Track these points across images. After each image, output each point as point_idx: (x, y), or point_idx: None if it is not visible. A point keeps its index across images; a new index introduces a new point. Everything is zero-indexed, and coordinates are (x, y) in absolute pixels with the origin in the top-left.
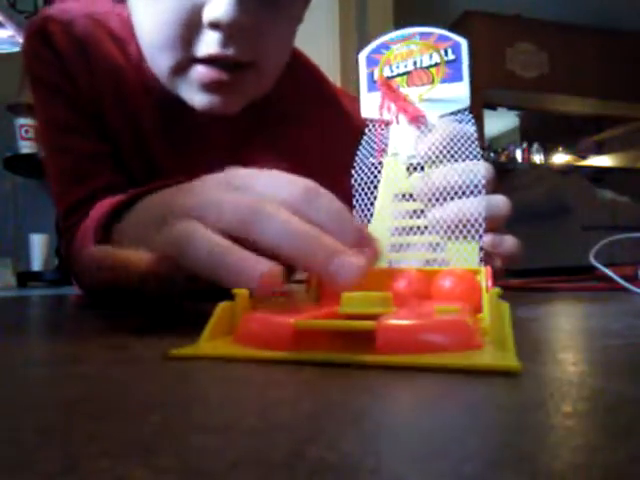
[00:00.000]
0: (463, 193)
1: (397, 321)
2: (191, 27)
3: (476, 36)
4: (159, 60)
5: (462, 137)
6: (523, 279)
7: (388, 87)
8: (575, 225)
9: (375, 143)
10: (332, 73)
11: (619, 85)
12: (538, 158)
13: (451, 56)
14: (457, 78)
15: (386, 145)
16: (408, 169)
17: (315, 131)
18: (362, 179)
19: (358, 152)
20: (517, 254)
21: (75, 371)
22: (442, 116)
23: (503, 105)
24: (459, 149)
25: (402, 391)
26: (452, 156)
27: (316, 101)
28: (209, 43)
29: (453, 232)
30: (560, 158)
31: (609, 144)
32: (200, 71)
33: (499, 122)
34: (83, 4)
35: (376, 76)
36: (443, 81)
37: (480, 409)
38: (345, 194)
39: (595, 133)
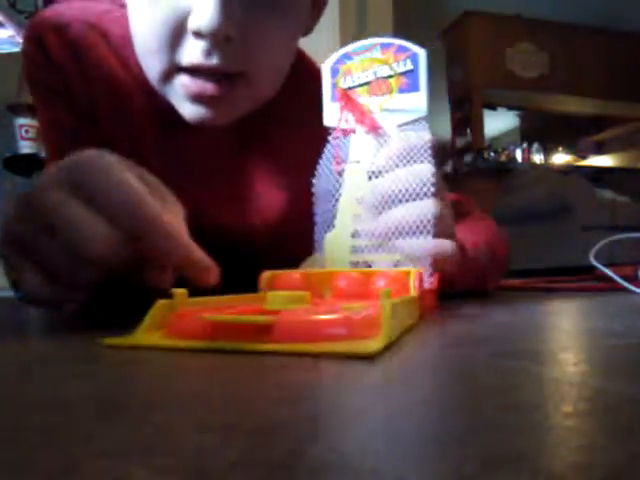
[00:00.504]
0: (410, 196)
1: (292, 316)
2: (177, 34)
3: (476, 36)
4: (149, 65)
5: (416, 147)
6: (523, 279)
7: (347, 98)
8: (575, 225)
9: (334, 153)
10: None
11: (619, 85)
12: (538, 158)
13: (409, 66)
14: (414, 88)
15: (346, 154)
16: (369, 177)
17: (317, 135)
18: (323, 187)
19: (320, 160)
20: (450, 258)
21: (75, 371)
22: (400, 125)
23: (503, 105)
24: (412, 158)
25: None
26: (406, 165)
27: (318, 105)
28: (193, 52)
29: (398, 236)
30: (560, 158)
31: (609, 144)
32: (184, 81)
33: (499, 122)
34: (80, 7)
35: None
36: (401, 91)
37: (480, 409)
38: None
39: (595, 133)
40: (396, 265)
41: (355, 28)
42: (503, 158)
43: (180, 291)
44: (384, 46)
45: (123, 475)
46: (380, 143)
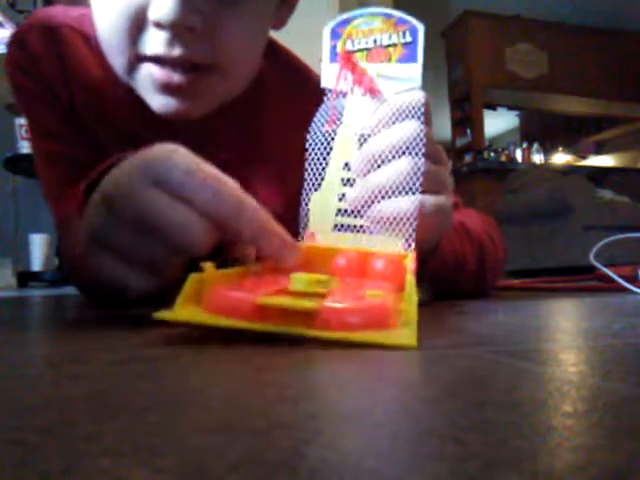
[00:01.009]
0: (398, 156)
1: (334, 304)
2: (137, 25)
3: (476, 36)
4: (113, 58)
5: (407, 107)
6: (523, 279)
7: (348, 59)
8: (575, 225)
9: (329, 113)
10: None
11: (619, 85)
12: (538, 158)
13: (408, 38)
14: (412, 59)
15: (340, 115)
16: (360, 140)
17: (297, 123)
18: (314, 147)
19: (313, 120)
20: (435, 216)
21: (75, 371)
22: (397, 93)
23: (503, 105)
24: (403, 118)
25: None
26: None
27: (299, 92)
28: (155, 42)
29: (385, 228)
30: (560, 158)
31: (609, 144)
32: (149, 70)
33: (499, 122)
34: (62, 10)
35: (339, 48)
36: (399, 61)
37: (480, 409)
38: None
39: (595, 133)
40: (379, 231)
41: None
42: (503, 158)
43: (209, 265)
44: (385, 15)
45: (123, 475)
46: (375, 107)
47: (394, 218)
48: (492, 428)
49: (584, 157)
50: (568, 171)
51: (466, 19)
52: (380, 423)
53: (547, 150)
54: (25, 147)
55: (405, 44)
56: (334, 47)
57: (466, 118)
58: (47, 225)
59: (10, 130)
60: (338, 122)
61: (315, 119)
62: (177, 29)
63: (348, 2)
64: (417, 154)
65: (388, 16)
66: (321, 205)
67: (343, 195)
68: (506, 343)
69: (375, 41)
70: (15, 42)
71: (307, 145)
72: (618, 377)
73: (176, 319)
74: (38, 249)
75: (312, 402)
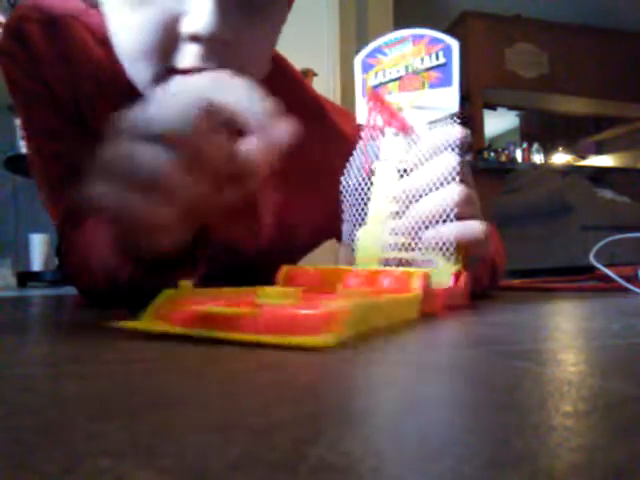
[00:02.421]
0: (435, 187)
1: (267, 309)
2: (170, 38)
3: (475, 36)
4: (137, 71)
5: (442, 143)
6: (523, 279)
7: (376, 98)
8: (575, 225)
9: (364, 152)
10: (331, 73)
11: (619, 85)
12: (538, 158)
13: (442, 59)
14: (447, 83)
15: (375, 153)
16: (399, 172)
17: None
18: (353, 187)
19: (349, 161)
20: (485, 238)
21: (75, 371)
22: (431, 122)
23: (503, 105)
24: (439, 153)
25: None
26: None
27: (296, 109)
28: (189, 55)
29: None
30: (560, 158)
31: (609, 144)
32: None
33: (499, 122)
34: (60, 2)
35: (371, 82)
36: (432, 86)
37: (480, 409)
38: (325, 200)
39: (595, 133)
40: (426, 262)
41: (355, 28)
42: (503, 158)
43: (185, 283)
44: (416, 38)
45: (123, 475)
46: (409, 142)
47: (448, 242)
48: (492, 428)
49: (584, 157)
50: (568, 171)
51: (466, 19)
52: (380, 423)
53: (547, 150)
54: (25, 147)
55: (438, 66)
56: (365, 81)
57: (466, 118)
58: (47, 225)
59: (10, 130)
60: (373, 161)
61: (351, 158)
62: (213, 42)
63: (348, 2)
64: (452, 183)
65: (419, 37)
66: (368, 241)
67: (390, 228)
68: (506, 343)
69: (407, 68)
70: (12, 33)
71: (342, 184)
72: (618, 377)
73: (131, 327)
74: (38, 249)
75: (312, 402)
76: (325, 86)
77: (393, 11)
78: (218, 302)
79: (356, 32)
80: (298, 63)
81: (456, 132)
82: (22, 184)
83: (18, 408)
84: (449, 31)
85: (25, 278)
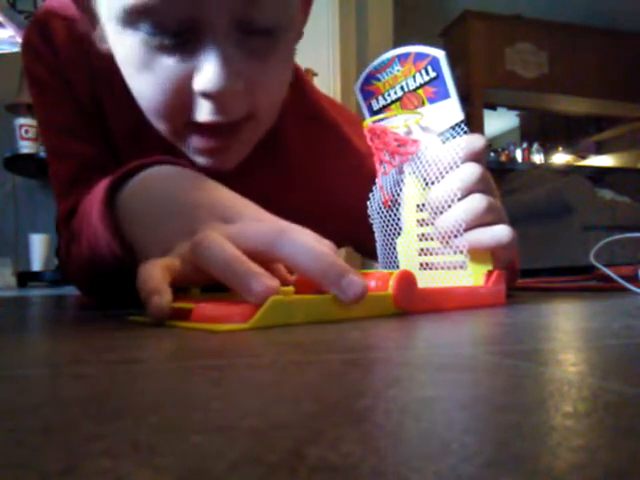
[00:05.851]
0: (459, 197)
1: (201, 306)
2: (183, 96)
3: (475, 36)
4: (159, 126)
5: (466, 155)
6: (523, 279)
7: (374, 136)
8: (575, 225)
9: (380, 188)
10: (331, 75)
11: (619, 85)
12: (538, 158)
13: (432, 74)
14: (444, 95)
15: (391, 187)
16: (426, 181)
17: (311, 155)
18: (377, 211)
19: (371, 193)
20: (511, 242)
21: (75, 371)
22: (440, 134)
23: (503, 105)
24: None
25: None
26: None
27: (315, 124)
28: (202, 111)
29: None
30: (560, 158)
31: (609, 144)
32: (195, 141)
33: (499, 122)
34: None
35: (375, 107)
36: (432, 101)
37: (480, 409)
38: (342, 213)
39: (595, 133)
40: (461, 265)
41: (355, 28)
42: (503, 158)
43: (195, 290)
44: (401, 57)
45: (123, 475)
46: (425, 159)
47: (477, 246)
48: (492, 428)
49: (584, 157)
50: (568, 171)
51: (466, 19)
52: (380, 422)
53: (547, 150)
54: (25, 147)
55: (432, 81)
56: (370, 106)
57: (466, 118)
58: (47, 225)
59: (10, 130)
60: (392, 194)
61: (372, 192)
62: (224, 97)
63: (348, 2)
64: (474, 192)
65: (404, 56)
66: (405, 248)
67: (422, 235)
68: (506, 343)
69: (402, 88)
70: (37, 27)
71: (369, 211)
72: (618, 377)
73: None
74: (38, 249)
75: (313, 401)
76: (325, 86)
77: (393, 11)
78: (188, 301)
79: (356, 32)
80: (298, 63)
81: (478, 142)
82: (22, 184)
83: (18, 408)
84: (449, 31)
85: (25, 278)
